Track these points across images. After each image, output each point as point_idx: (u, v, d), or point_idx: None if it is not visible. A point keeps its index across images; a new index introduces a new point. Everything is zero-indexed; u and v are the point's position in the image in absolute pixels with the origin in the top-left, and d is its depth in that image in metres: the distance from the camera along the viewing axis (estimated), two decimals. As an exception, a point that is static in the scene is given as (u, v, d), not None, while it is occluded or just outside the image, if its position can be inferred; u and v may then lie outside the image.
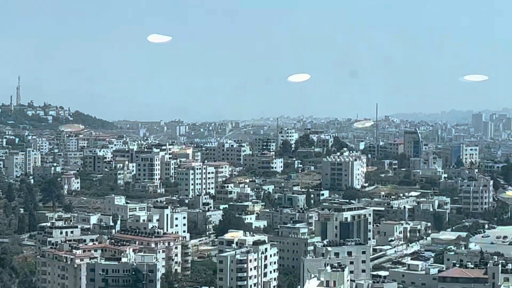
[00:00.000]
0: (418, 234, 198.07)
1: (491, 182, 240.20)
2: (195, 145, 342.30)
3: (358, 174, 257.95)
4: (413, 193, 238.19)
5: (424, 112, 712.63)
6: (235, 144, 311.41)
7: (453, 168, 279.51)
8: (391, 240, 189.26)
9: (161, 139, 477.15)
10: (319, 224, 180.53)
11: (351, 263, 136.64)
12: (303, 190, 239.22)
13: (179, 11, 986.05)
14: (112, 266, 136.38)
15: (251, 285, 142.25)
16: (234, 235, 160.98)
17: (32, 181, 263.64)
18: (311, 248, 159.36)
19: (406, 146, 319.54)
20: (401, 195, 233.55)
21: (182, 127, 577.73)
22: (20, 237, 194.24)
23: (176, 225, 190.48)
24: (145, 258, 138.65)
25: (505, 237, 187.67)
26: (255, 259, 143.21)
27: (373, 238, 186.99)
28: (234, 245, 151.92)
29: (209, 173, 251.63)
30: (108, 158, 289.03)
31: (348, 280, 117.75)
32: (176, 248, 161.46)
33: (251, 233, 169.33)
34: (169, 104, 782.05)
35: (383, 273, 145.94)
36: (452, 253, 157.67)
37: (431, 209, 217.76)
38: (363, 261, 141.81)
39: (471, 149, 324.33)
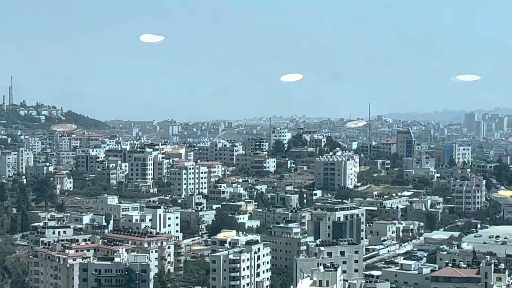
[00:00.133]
0: (410, 233, 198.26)
1: (484, 181, 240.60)
2: (188, 145, 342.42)
3: (351, 174, 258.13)
4: (406, 193, 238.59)
5: (416, 111, 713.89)
6: (228, 144, 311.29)
7: (446, 167, 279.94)
8: (384, 240, 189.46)
9: (154, 138, 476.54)
10: (312, 224, 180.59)
11: (344, 262, 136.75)
12: (296, 190, 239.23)
13: (171, 11, 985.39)
14: (104, 266, 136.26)
15: (244, 285, 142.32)
16: (227, 235, 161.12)
17: (24, 181, 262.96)
18: (304, 248, 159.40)
19: (399, 145, 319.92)
20: (394, 194, 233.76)
21: (175, 126, 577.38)
22: (12, 237, 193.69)
23: (169, 225, 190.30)
24: (138, 258, 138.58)
25: (497, 236, 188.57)
26: (248, 259, 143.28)
27: (366, 238, 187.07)
28: (227, 245, 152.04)
29: (202, 173, 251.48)
30: (101, 158, 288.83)
31: (341, 280, 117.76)
32: (169, 248, 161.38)
33: (244, 233, 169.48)
34: (162, 103, 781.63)
35: (375, 272, 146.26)
36: (445, 252, 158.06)
37: (424, 209, 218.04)
38: (356, 261, 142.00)
39: (464, 149, 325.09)
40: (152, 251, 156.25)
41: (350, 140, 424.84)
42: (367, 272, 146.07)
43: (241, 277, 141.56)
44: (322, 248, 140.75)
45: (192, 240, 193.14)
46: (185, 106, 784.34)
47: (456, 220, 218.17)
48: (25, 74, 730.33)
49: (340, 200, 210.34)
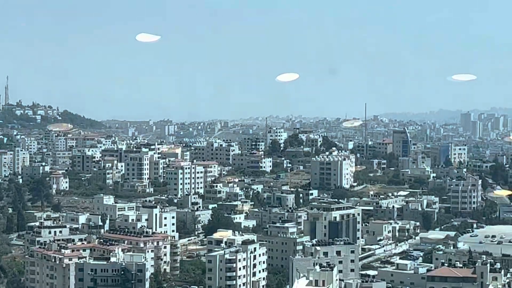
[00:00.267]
0: (406, 233, 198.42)
1: (480, 181, 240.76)
2: (184, 145, 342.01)
3: (347, 174, 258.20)
4: (402, 193, 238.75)
5: (412, 111, 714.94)
6: (224, 143, 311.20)
7: (442, 167, 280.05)
8: (380, 240, 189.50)
9: (150, 138, 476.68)
10: (308, 224, 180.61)
11: (340, 262, 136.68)
12: (292, 189, 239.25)
13: (167, 11, 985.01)
14: (101, 266, 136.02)
15: (240, 285, 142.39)
16: (223, 234, 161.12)
17: (20, 180, 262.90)
18: (300, 247, 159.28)
19: (395, 145, 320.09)
20: (390, 194, 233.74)
21: (171, 126, 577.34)
22: (8, 237, 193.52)
23: (165, 225, 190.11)
24: (134, 258, 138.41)
25: (493, 236, 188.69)
26: (244, 259, 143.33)
27: (362, 238, 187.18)
28: (223, 245, 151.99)
29: (198, 172, 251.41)
30: (97, 157, 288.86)
31: (337, 280, 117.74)
32: (165, 247, 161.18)
33: (240, 232, 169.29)
34: (158, 103, 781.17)
35: (372, 272, 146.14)
36: (441, 252, 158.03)
37: (420, 209, 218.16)
38: (352, 261, 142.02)
39: (460, 149, 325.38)
40: (148, 251, 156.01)
41: (346, 140, 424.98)
42: (363, 272, 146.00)
43: (237, 277, 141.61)
44: (318, 247, 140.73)
45: (188, 240, 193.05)
46: (181, 105, 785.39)
47: (452, 220, 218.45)
48: (21, 73, 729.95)
49: (336, 200, 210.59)
